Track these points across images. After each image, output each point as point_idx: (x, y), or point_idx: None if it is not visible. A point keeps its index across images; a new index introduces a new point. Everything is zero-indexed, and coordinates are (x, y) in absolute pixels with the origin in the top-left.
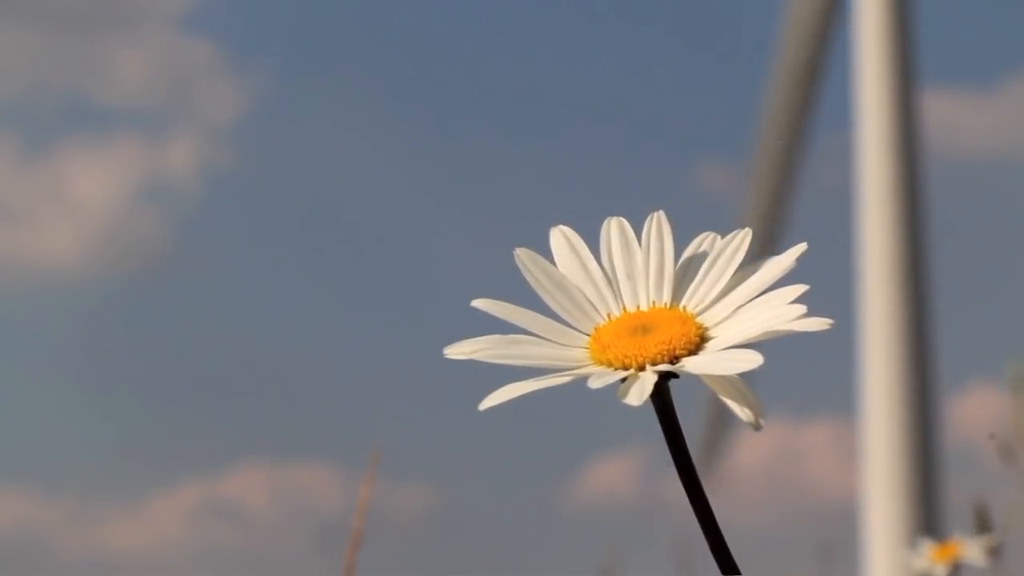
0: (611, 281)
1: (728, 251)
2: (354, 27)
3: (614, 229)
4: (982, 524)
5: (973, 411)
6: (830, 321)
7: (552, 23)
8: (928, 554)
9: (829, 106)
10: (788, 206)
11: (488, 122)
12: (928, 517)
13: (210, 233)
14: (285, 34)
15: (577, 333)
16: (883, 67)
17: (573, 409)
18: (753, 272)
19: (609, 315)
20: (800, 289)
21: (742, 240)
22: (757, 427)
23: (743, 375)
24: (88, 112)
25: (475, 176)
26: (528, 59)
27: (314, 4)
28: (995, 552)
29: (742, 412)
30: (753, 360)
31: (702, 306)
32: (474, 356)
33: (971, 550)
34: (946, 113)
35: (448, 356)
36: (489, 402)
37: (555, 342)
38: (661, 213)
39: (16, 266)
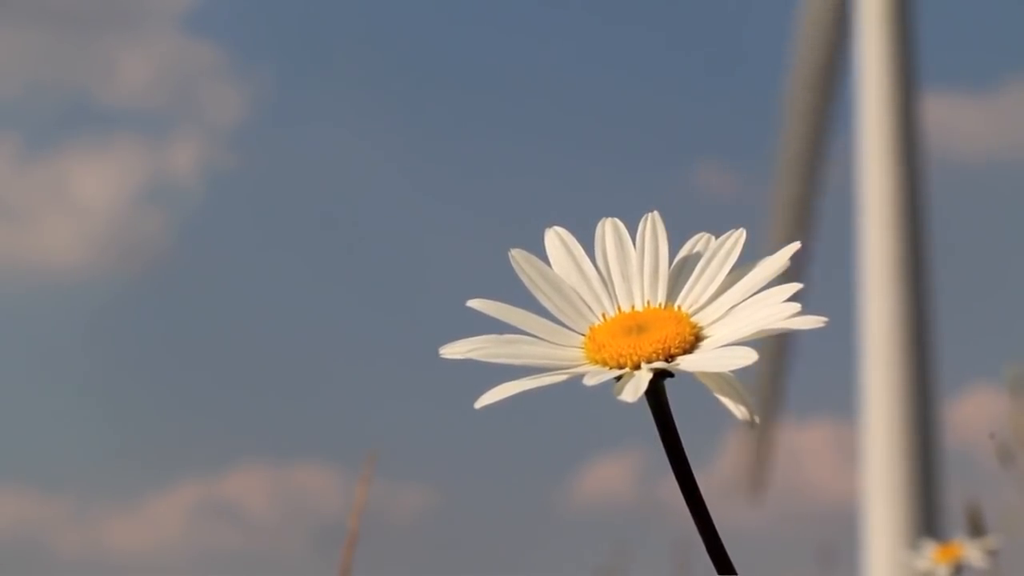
0: (606, 281)
1: (722, 251)
2: (357, 29)
3: (608, 230)
4: (976, 526)
5: (972, 413)
6: (824, 319)
7: (553, 24)
8: (930, 555)
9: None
10: (813, 211)
11: (488, 123)
12: (927, 518)
13: (212, 234)
14: (288, 36)
15: (573, 333)
16: (884, 69)
17: (572, 410)
18: (747, 272)
19: (604, 315)
20: (794, 288)
21: (736, 240)
22: (753, 424)
23: (739, 373)
24: (90, 113)
25: (475, 177)
26: (528, 60)
27: (317, 6)
28: (994, 553)
29: (737, 410)
30: (747, 357)
31: (696, 306)
32: (470, 355)
33: (971, 551)
34: (946, 115)
35: (444, 356)
36: (484, 401)
37: (551, 342)
38: (656, 213)
39: (18, 266)
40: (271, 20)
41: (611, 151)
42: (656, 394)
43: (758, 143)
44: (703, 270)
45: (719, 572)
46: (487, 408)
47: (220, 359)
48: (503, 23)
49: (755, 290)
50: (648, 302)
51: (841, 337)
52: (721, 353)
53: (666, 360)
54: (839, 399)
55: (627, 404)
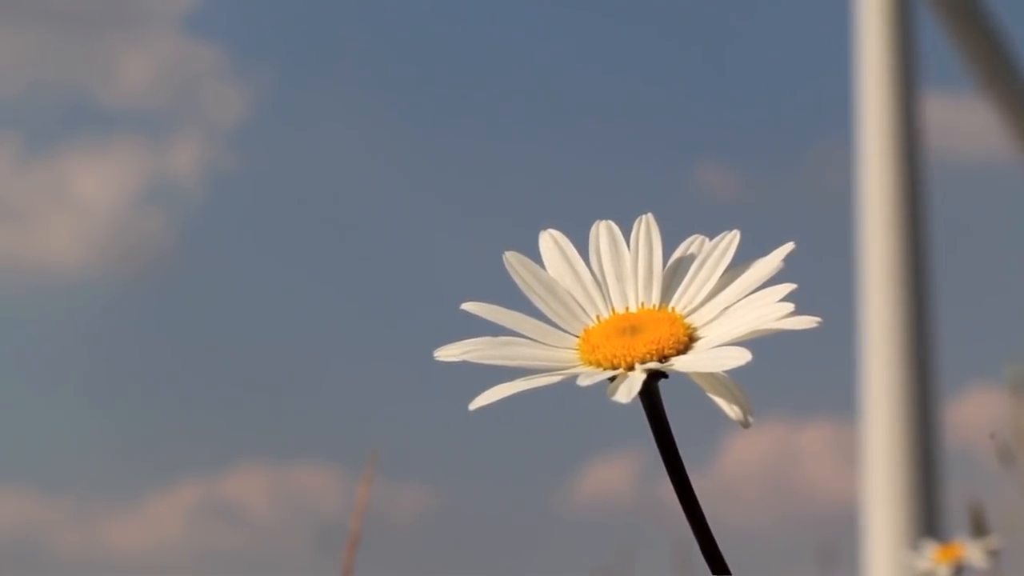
0: (600, 283)
1: (716, 253)
2: (358, 30)
3: (603, 232)
4: (979, 526)
5: (973, 413)
6: (817, 319)
7: (553, 23)
8: (931, 555)
9: (830, 108)
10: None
11: (489, 123)
12: (927, 519)
13: (213, 235)
14: (289, 36)
15: (567, 335)
16: (884, 69)
17: (573, 410)
18: (741, 273)
19: (598, 317)
20: (787, 288)
21: (730, 242)
22: (746, 424)
23: (738, 374)
24: (90, 113)
25: (476, 177)
26: (529, 60)
27: (318, 6)
28: (995, 554)
29: (731, 409)
30: (742, 357)
31: (691, 307)
32: (464, 358)
33: (972, 552)
34: (946, 115)
35: (438, 358)
36: (479, 402)
37: (545, 343)
38: (650, 216)
39: (18, 266)
40: (272, 21)
41: (611, 151)
42: (650, 395)
43: (758, 143)
44: (697, 272)
45: (712, 571)
46: (487, 409)
47: (220, 359)
48: (503, 22)
49: (749, 291)
50: (642, 303)
51: (841, 337)
52: (715, 353)
53: (660, 361)
54: (839, 399)
55: (626, 404)
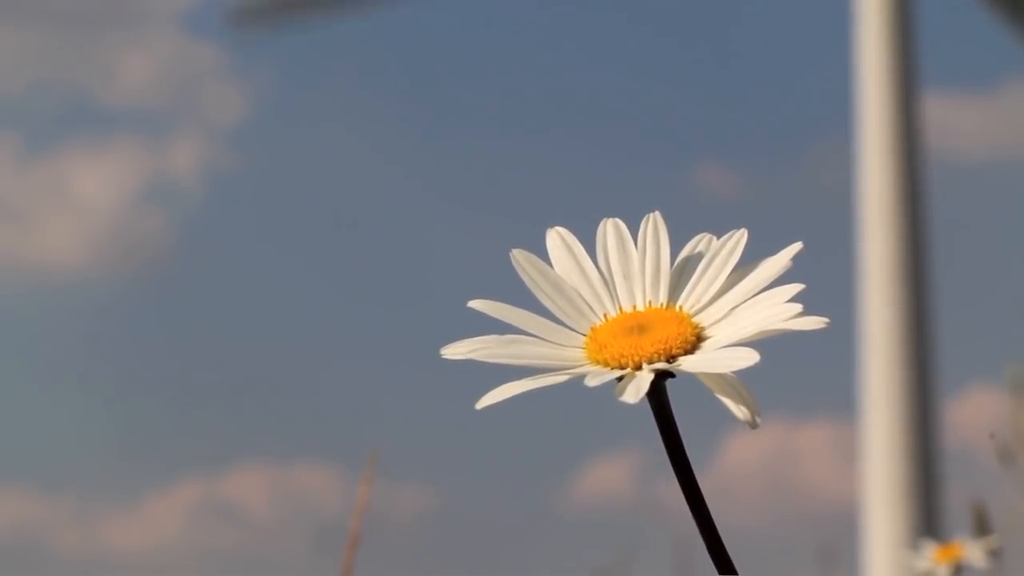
0: (607, 282)
1: (724, 252)
2: (357, 28)
3: (610, 230)
4: (981, 526)
5: (972, 413)
6: (825, 320)
7: (553, 24)
8: (930, 555)
9: (830, 108)
10: None
11: (489, 122)
12: (927, 519)
13: (212, 234)
14: (288, 35)
15: (574, 333)
16: (884, 69)
17: (572, 410)
18: (749, 272)
19: (605, 315)
20: (795, 288)
21: (737, 241)
22: (754, 425)
23: (740, 374)
24: (90, 113)
25: (477, 176)
26: (529, 60)
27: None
28: (995, 554)
29: (739, 410)
30: (750, 358)
31: (698, 306)
32: (471, 356)
33: (972, 551)
34: (946, 115)
35: (445, 356)
36: (485, 401)
37: (552, 342)
38: (657, 214)
39: (18, 266)
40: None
41: (612, 151)
42: (657, 394)
43: (758, 143)
44: (704, 270)
45: (720, 573)
46: (487, 408)
47: (220, 359)
48: (504, 22)
49: (757, 291)
50: (649, 302)
51: (841, 337)
52: (723, 354)
53: (667, 360)
54: (839, 399)
55: (627, 404)
